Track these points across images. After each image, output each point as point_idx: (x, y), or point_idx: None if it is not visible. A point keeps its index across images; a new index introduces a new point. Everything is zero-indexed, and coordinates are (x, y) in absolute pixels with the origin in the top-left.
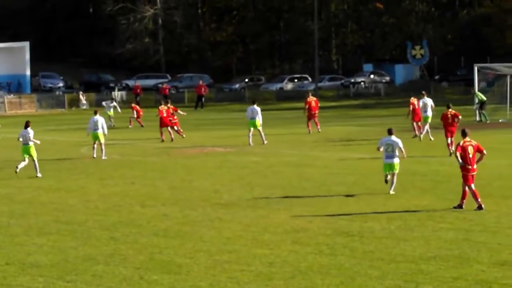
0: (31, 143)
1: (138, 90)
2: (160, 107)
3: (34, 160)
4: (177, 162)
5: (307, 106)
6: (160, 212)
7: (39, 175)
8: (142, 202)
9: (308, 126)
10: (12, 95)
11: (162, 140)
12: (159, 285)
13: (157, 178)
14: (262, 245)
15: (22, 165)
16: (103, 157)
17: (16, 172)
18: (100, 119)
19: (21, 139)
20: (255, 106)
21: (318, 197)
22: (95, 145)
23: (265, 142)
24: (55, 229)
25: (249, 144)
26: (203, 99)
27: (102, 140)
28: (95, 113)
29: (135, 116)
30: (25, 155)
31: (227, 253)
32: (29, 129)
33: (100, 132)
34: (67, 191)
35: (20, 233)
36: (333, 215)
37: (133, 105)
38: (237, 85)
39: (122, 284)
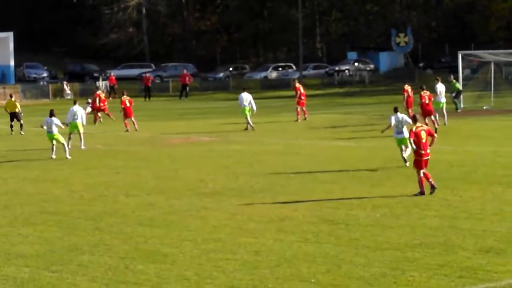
0: (55, 131)
1: (113, 81)
2: (122, 98)
3: (63, 144)
4: (162, 152)
5: (298, 92)
6: (145, 201)
7: (68, 157)
8: (127, 192)
9: (297, 114)
10: None
11: (127, 130)
12: (144, 275)
13: (142, 168)
14: (247, 233)
15: (53, 153)
16: (82, 147)
17: (52, 157)
18: (79, 109)
19: (45, 127)
20: (245, 93)
21: (303, 186)
22: (71, 136)
23: (249, 129)
24: (41, 220)
25: (253, 129)
26: (187, 89)
27: (81, 130)
28: (74, 103)
29: (90, 108)
30: (52, 142)
31: (212, 242)
32: (53, 117)
33: (79, 122)
34: (52, 182)
35: (5, 223)
36: (318, 203)
37: (96, 93)
38: (221, 74)
39: (107, 274)
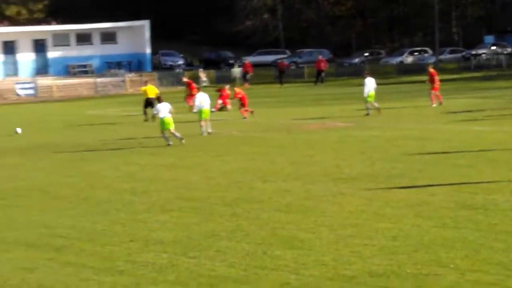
0: (168, 115)
1: (248, 68)
2: (236, 89)
3: (172, 131)
4: (297, 138)
5: (434, 77)
6: (281, 187)
7: (183, 141)
8: (263, 178)
9: (432, 99)
10: (132, 74)
11: (245, 117)
12: (282, 260)
13: (277, 154)
14: (384, 219)
15: (169, 140)
16: (209, 130)
17: (169, 145)
18: (205, 96)
19: (159, 114)
20: (369, 78)
21: (439, 170)
22: (203, 123)
23: (371, 114)
24: (177, 206)
25: (368, 115)
26: (322, 74)
27: (209, 117)
28: (198, 89)
29: (220, 103)
30: (165, 127)
31: (349, 228)
32: (164, 103)
33: (208, 108)
34: (188, 168)
35: (143, 210)
36: (455, 188)
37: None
38: (356, 60)
39: (245, 259)
